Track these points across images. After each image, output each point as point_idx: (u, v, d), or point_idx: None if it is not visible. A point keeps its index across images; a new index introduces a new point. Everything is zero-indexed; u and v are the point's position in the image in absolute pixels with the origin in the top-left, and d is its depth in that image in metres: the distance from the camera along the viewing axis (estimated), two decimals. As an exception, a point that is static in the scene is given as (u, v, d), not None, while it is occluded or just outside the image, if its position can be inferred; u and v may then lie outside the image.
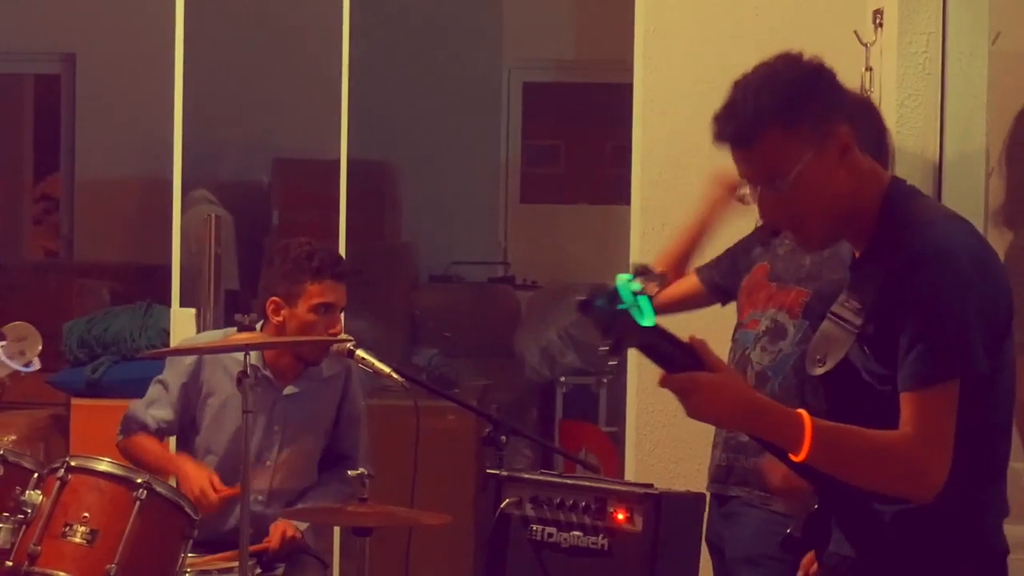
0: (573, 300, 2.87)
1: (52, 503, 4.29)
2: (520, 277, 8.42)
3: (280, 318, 4.82)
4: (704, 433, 4.19)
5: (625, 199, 8.87)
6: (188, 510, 4.43)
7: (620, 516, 3.85)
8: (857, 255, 3.02)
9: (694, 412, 2.78)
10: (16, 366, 3.33)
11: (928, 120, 4.70)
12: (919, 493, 2.83)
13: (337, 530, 5.71)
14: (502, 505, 3.97)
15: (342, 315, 4.88)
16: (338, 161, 7.29)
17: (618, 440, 6.97)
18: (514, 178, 8.88)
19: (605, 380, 7.55)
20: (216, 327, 5.66)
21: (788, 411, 2.82)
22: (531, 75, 8.87)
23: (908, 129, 4.70)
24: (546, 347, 7.63)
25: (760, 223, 4.59)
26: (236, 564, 4.62)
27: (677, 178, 5.41)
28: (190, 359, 4.88)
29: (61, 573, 4.22)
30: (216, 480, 4.70)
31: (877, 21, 4.93)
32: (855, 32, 4.96)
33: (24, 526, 4.25)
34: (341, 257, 5.06)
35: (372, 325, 6.98)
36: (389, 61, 8.30)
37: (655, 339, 2.73)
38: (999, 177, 4.72)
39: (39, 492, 4.28)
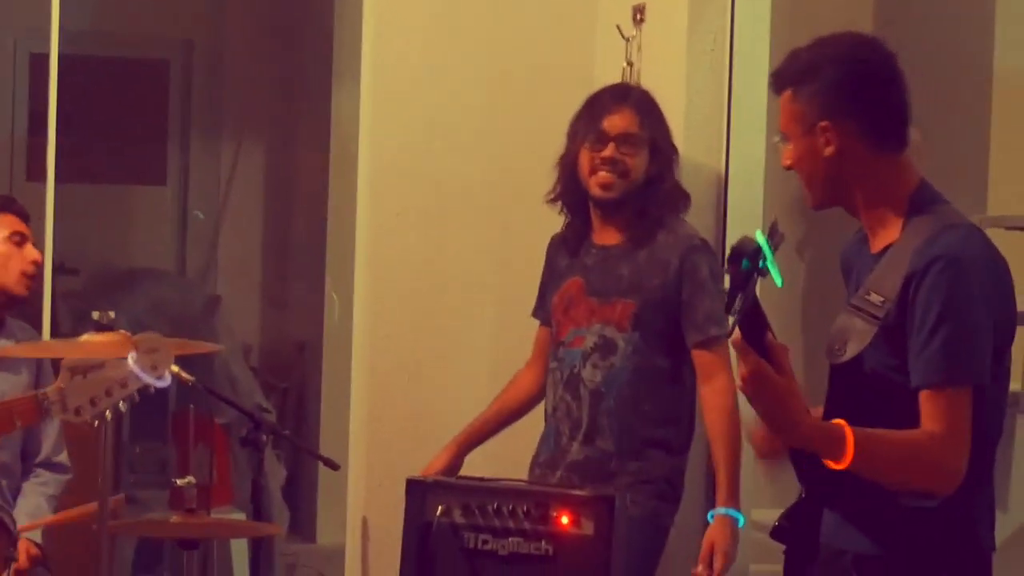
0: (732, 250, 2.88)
1: None
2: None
3: None
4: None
5: (153, 179, 8.53)
6: (10, 527, 3.95)
7: (565, 519, 3.72)
8: (876, 247, 3.15)
9: (754, 401, 2.89)
10: (149, 379, 2.94)
11: (715, 121, 4.81)
12: (943, 489, 2.99)
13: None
14: (438, 513, 3.74)
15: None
16: None
17: (230, 431, 6.72)
18: (22, 155, 8.33)
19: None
20: None
21: (830, 426, 2.94)
22: (40, 46, 8.31)
23: (695, 127, 4.79)
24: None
25: (554, 237, 4.58)
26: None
27: (410, 167, 5.22)
28: None
29: None
30: None
31: (638, 17, 4.99)
32: (617, 26, 4.99)
33: None
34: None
35: None
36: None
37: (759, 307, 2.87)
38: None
39: None
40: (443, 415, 5.00)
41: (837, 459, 2.90)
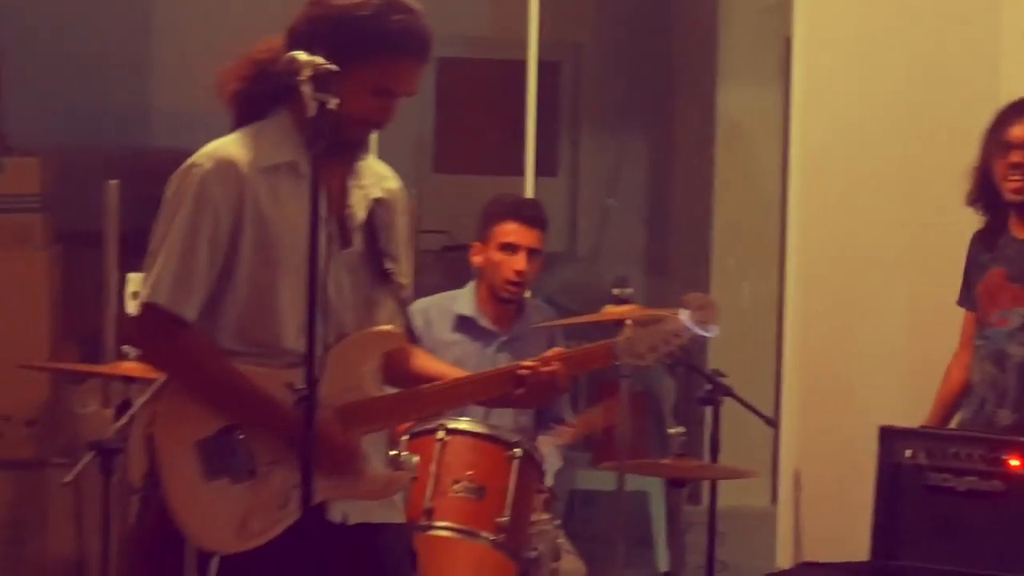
0: None
1: (437, 463, 4.52)
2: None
3: (479, 259, 5.27)
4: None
5: (546, 171, 9.22)
6: (540, 463, 4.75)
7: (1015, 462, 4.40)
8: None
9: None
10: (700, 331, 3.54)
11: None
12: None
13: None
14: (907, 456, 4.47)
15: (526, 256, 5.23)
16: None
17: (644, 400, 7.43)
18: (429, 149, 9.08)
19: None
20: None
21: None
22: (444, 50, 9.04)
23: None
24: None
25: (976, 233, 5.17)
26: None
27: (834, 164, 5.91)
28: None
29: (460, 525, 4.46)
30: None
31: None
32: (1024, 34, 5.61)
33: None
34: (534, 203, 5.44)
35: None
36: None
37: None
38: None
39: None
40: (866, 378, 5.69)
41: None
